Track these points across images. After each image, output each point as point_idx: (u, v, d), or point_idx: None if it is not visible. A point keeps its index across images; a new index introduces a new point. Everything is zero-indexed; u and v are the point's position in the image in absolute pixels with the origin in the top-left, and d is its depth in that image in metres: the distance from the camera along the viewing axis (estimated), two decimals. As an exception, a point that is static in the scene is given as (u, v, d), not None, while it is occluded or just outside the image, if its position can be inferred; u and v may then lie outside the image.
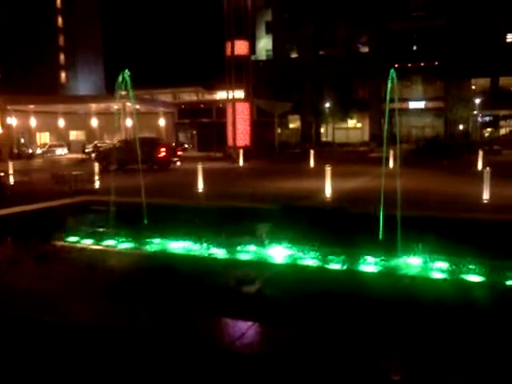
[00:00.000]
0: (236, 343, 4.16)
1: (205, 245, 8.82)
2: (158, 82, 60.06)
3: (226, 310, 5.06)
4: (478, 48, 53.34)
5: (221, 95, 49.59)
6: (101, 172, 19.25)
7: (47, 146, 51.45)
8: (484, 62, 52.68)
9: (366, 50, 62.03)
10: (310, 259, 8.00)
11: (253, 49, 56.78)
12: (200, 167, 17.79)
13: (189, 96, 60.59)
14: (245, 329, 4.41)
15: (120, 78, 9.89)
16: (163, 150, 29.33)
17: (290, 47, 65.34)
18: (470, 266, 7.36)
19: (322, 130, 63.90)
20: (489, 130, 55.82)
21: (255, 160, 33.90)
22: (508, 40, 55.13)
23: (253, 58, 54.02)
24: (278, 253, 8.41)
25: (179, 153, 33.73)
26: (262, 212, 9.90)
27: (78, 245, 9.22)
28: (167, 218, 10.26)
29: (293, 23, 62.94)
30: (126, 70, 9.99)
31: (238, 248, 8.66)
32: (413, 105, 56.41)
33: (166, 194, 14.97)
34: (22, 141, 51.57)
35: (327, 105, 56.79)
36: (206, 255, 8.52)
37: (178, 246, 9.15)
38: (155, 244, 9.32)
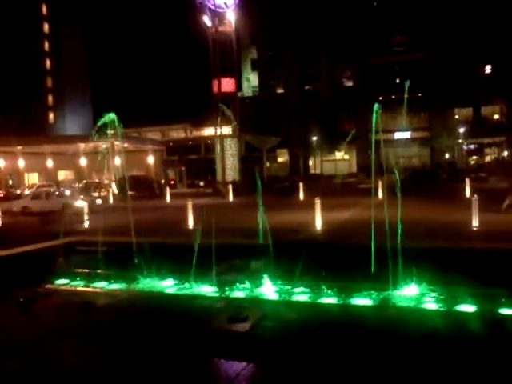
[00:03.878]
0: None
1: (196, 283, 8.68)
2: (146, 120, 60.46)
3: (220, 350, 4.93)
4: (458, 79, 54.69)
5: (208, 132, 50.00)
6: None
7: (35, 187, 51.15)
8: (465, 93, 53.92)
9: (350, 83, 63.33)
10: (301, 295, 7.90)
11: (239, 86, 57.73)
12: (190, 203, 17.74)
13: (177, 133, 60.96)
14: (239, 370, 4.30)
15: (103, 120, 10.03)
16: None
17: (276, 83, 66.53)
18: (461, 295, 7.31)
19: (311, 162, 64.42)
20: (474, 157, 56.66)
21: (244, 195, 33.92)
22: (487, 71, 56.58)
23: (239, 94, 54.88)
24: (270, 289, 8.30)
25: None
26: (252, 249, 9.81)
27: (64, 287, 9.04)
28: (158, 257, 10.13)
29: (277, 60, 64.30)
30: (111, 114, 10.12)
31: (229, 285, 8.53)
32: (399, 135, 57.23)
33: (156, 232, 14.84)
34: (10, 182, 51.25)
35: (314, 138, 57.43)
36: (198, 294, 8.39)
37: (169, 285, 9.00)
38: (145, 284, 9.17)
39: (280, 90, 66.50)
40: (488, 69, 56.47)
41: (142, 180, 39.28)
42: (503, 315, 6.67)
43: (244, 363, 4.36)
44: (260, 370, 4.42)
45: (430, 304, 7.36)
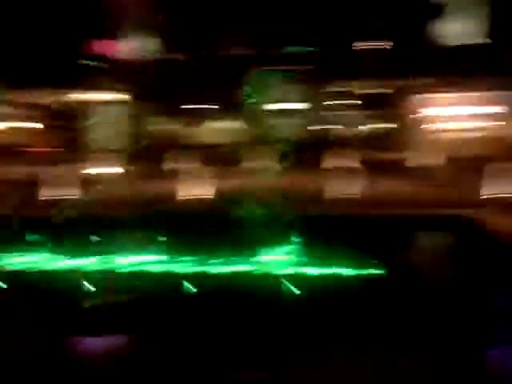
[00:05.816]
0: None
1: None
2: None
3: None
4: (341, 53, 56.89)
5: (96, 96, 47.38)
6: None
7: None
8: (349, 66, 56.28)
9: (239, 51, 63.20)
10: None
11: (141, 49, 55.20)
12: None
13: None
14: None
15: None
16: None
17: (178, 50, 64.59)
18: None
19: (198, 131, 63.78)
20: (355, 128, 59.89)
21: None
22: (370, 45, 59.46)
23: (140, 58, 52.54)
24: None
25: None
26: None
27: None
28: None
29: (181, 27, 62.28)
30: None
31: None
32: (286, 106, 58.43)
33: None
34: None
35: (203, 106, 56.97)
36: None
37: None
38: None
39: (174, 56, 64.74)
40: (372, 42, 59.29)
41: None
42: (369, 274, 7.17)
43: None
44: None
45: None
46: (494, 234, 8.34)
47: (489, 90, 47.20)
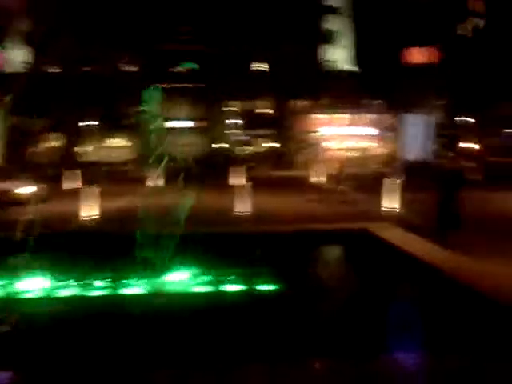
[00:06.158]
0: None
1: None
2: None
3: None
4: (236, 73, 58.61)
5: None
6: None
7: None
8: (240, 87, 57.95)
9: (134, 68, 62.00)
10: (67, 288, 7.43)
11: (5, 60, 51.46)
12: None
13: None
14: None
15: None
16: None
17: (51, 61, 61.23)
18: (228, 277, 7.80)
19: (88, 148, 61.21)
20: (247, 148, 61.38)
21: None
22: (259, 68, 61.54)
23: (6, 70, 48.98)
24: (34, 285, 7.59)
25: None
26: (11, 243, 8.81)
27: None
28: None
29: (54, 36, 59.11)
30: None
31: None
32: (178, 124, 58.62)
33: None
34: None
35: (92, 123, 54.88)
36: None
37: None
38: None
39: (55, 70, 61.49)
40: (261, 66, 61.53)
41: None
42: (260, 290, 7.36)
43: None
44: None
45: (198, 287, 7.65)
46: (392, 245, 8.92)
47: (361, 112, 51.42)
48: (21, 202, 15.77)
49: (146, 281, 7.57)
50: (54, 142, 62.51)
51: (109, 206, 16.44)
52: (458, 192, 11.36)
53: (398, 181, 16.85)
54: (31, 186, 18.87)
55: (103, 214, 14.94)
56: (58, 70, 61.95)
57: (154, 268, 7.71)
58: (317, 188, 24.59)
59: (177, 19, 59.74)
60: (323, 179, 27.48)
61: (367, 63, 61.93)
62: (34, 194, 17.99)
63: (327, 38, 62.19)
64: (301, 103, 60.86)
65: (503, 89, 59.35)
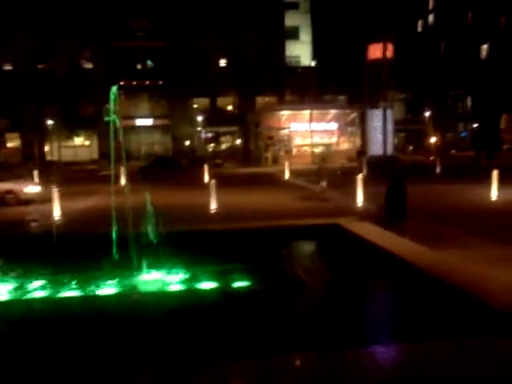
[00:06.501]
0: None
1: None
2: None
3: None
4: (197, 70, 58.08)
5: None
6: None
7: None
8: (203, 84, 57.46)
9: (91, 65, 60.56)
10: (37, 291, 7.18)
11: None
12: None
13: None
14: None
15: None
16: None
17: (3, 58, 59.15)
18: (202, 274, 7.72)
19: (47, 148, 59.62)
20: (212, 145, 60.97)
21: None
22: (221, 65, 61.20)
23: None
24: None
25: None
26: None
27: None
28: None
29: (6, 32, 57.16)
30: None
31: None
32: (140, 122, 57.69)
33: None
34: None
35: (50, 122, 53.38)
36: None
37: None
38: None
39: (8, 67, 59.45)
40: (223, 62, 61.16)
41: None
42: (233, 287, 7.31)
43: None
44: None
45: (174, 285, 7.54)
46: (364, 240, 9.05)
47: (325, 108, 51.84)
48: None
49: (116, 281, 7.40)
50: (13, 142, 60.69)
51: (72, 206, 16.05)
52: (403, 184, 12.23)
53: (361, 175, 17.12)
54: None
55: (65, 215, 14.54)
56: (10, 68, 59.93)
57: (124, 268, 7.56)
58: (291, 185, 24.68)
59: (133, 14, 58.65)
60: (297, 176, 27.54)
61: (328, 59, 62.75)
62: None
63: (289, 33, 62.50)
64: (265, 99, 61.06)
65: (457, 82, 61.30)
